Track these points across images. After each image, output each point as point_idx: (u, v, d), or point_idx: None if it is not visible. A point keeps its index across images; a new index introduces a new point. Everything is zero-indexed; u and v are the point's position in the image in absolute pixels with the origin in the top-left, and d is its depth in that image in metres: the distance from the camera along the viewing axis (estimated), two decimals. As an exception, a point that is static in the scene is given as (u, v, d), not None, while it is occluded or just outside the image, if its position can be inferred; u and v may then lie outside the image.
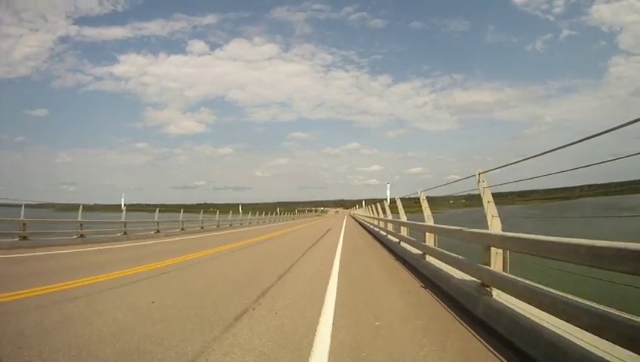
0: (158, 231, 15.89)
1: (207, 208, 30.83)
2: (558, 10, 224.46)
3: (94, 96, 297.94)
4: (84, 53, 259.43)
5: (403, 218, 9.45)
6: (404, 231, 9.02)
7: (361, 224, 26.52)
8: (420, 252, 6.57)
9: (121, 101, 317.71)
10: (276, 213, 46.14)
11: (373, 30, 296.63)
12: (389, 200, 15.50)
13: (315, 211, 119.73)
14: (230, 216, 27.14)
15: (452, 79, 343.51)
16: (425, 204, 6.38)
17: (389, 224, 12.26)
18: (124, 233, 13.82)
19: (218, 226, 22.61)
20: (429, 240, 6.15)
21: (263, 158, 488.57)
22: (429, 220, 6.31)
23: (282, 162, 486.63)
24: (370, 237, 15.11)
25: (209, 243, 12.15)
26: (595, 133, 2.24)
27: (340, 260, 7.50)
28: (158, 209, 17.00)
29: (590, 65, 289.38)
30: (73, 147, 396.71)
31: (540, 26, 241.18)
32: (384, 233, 12.74)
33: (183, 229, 18.14)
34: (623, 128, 2.00)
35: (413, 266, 6.53)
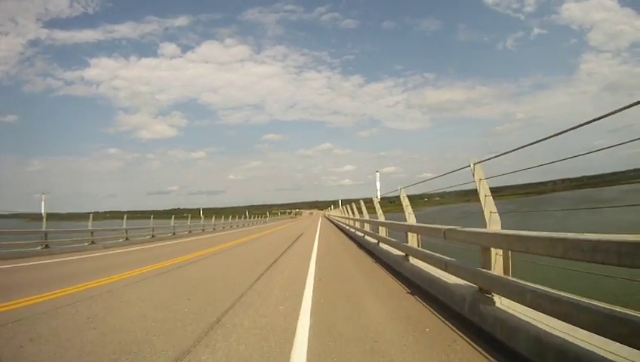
0: (92, 243, 13.63)
1: (180, 213, 29.29)
2: (529, 9, 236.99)
3: (65, 101, 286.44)
4: (55, 57, 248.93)
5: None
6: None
7: (337, 226, 26.15)
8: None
9: (92, 106, 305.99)
10: (245, 217, 44.11)
11: (345, 30, 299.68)
12: (379, 192, 15.18)
13: (289, 213, 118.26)
14: (189, 221, 25.32)
15: (424, 78, 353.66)
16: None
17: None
18: (46, 246, 11.68)
19: (174, 234, 20.90)
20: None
21: (236, 161, 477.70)
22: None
23: (256, 165, 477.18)
24: (350, 241, 14.71)
25: (133, 261, 9.19)
26: (568, 128, 2.32)
27: (313, 293, 4.70)
28: (91, 215, 14.71)
29: (561, 63, 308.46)
30: (46, 154, 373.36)
31: (511, 25, 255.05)
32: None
33: (127, 239, 15.93)
34: (595, 123, 2.09)
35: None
